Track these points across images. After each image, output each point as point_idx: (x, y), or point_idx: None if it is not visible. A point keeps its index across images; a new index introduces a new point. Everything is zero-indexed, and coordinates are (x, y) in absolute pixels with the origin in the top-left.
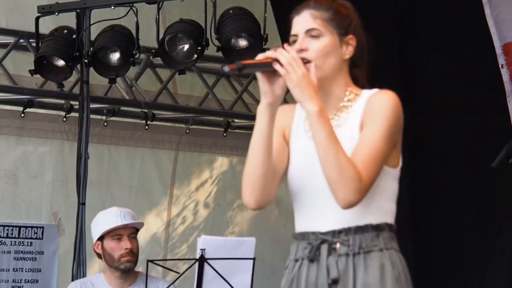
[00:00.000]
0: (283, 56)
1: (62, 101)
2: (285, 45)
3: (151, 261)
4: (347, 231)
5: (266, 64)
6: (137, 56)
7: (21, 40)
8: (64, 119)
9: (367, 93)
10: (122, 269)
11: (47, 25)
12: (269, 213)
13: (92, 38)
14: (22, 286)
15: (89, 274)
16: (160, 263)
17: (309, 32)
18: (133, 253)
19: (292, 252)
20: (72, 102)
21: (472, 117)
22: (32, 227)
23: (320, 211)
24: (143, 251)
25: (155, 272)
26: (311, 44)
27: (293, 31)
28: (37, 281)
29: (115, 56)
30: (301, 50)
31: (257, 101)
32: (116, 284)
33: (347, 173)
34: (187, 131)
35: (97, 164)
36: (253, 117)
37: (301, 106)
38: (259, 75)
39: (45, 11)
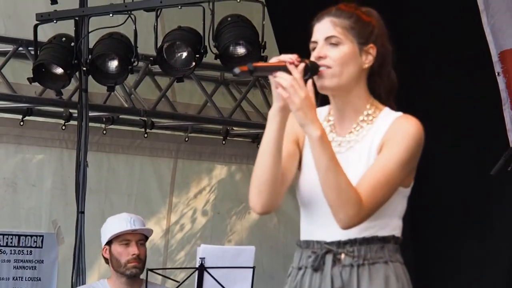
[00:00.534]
0: (284, 79)
1: (61, 109)
2: (296, 56)
3: (151, 270)
4: (352, 242)
5: (278, 67)
6: (135, 64)
7: (20, 48)
8: (63, 127)
9: (390, 113)
10: (128, 274)
11: (46, 33)
12: (268, 221)
13: (91, 45)
14: None
15: (88, 282)
16: (160, 271)
17: (328, 40)
18: (140, 260)
19: (296, 259)
20: (71, 110)
21: (469, 124)
22: (31, 236)
23: (327, 221)
24: None
25: (154, 280)
26: (330, 52)
27: (313, 38)
28: None
29: (114, 64)
30: (319, 58)
31: (256, 109)
32: None
33: (346, 197)
34: (186, 139)
35: (96, 172)
36: (252, 125)
37: (303, 129)
38: (271, 78)
39: (43, 18)
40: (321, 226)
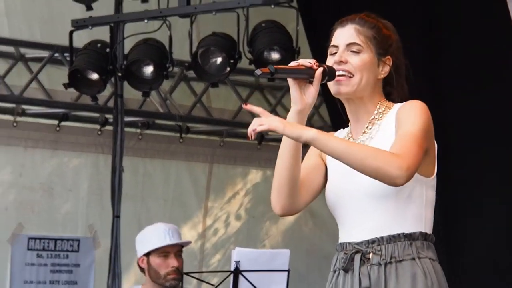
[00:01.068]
0: (254, 123)
1: (97, 115)
2: (314, 60)
3: (187, 273)
4: (379, 240)
5: (299, 70)
6: (170, 69)
7: (56, 54)
8: (99, 132)
9: (398, 105)
10: (167, 286)
11: (81, 38)
12: (304, 224)
13: (126, 51)
14: None
15: (124, 287)
16: (195, 275)
17: (350, 46)
18: (179, 271)
19: (332, 263)
20: (106, 116)
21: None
22: (68, 240)
23: (355, 222)
24: None
25: (189, 284)
26: (351, 59)
27: (334, 42)
28: None
29: (149, 70)
30: (340, 62)
31: None
32: None
33: (382, 157)
34: (221, 143)
35: (132, 177)
36: None
37: (301, 140)
38: (290, 82)
39: (79, 25)
40: (350, 227)
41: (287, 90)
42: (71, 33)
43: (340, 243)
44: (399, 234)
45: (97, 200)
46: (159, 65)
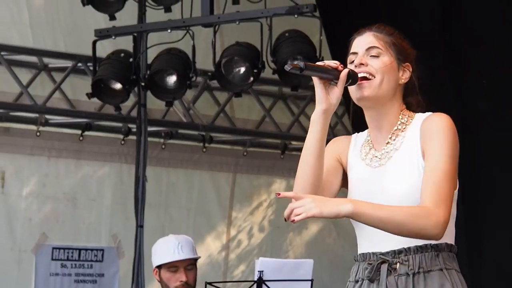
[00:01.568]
0: (291, 211)
1: (120, 124)
2: (339, 63)
3: (209, 283)
4: (406, 251)
5: (326, 70)
6: (194, 79)
7: (79, 64)
8: (122, 142)
9: (420, 116)
10: None
11: (105, 48)
12: (327, 235)
13: (149, 61)
14: None
15: None
16: (219, 285)
17: (369, 51)
18: (189, 285)
19: (353, 273)
20: (130, 125)
21: None
22: (92, 250)
23: (381, 233)
24: (203, 273)
25: None
26: (371, 61)
27: (353, 49)
28: None
29: (172, 79)
30: (360, 65)
31: None
32: None
33: (417, 219)
34: (245, 153)
35: (155, 187)
36: None
37: (340, 217)
38: (316, 81)
39: (102, 34)
40: (374, 238)
41: (310, 99)
42: (94, 42)
43: (362, 253)
44: (426, 245)
45: (121, 210)
46: (182, 74)
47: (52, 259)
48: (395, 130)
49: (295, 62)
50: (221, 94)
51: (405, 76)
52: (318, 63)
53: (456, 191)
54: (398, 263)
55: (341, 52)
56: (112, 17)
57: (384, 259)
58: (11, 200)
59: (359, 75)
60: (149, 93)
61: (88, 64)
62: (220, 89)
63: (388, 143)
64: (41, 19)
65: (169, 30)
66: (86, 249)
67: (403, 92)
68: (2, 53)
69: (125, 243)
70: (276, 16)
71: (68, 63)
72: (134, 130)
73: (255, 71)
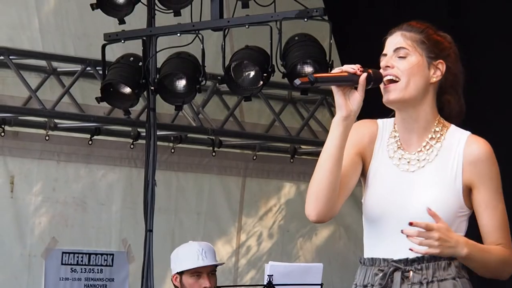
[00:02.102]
0: (416, 241)
1: (129, 129)
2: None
3: (219, 287)
4: (420, 259)
5: (341, 78)
6: (203, 83)
7: (88, 68)
8: (132, 146)
9: (457, 131)
10: None
11: (115, 52)
12: (338, 239)
13: (159, 65)
14: None
15: None
16: None
17: (397, 52)
18: None
19: (360, 277)
20: (139, 129)
21: None
22: (102, 254)
23: (395, 239)
24: None
25: None
26: (398, 64)
27: (384, 51)
28: None
29: (181, 83)
30: (386, 67)
31: (324, 128)
32: None
33: (507, 266)
34: (254, 157)
35: (165, 191)
36: (319, 144)
37: (456, 255)
38: (334, 88)
39: (111, 38)
40: (388, 243)
41: (320, 103)
42: (103, 46)
43: (371, 258)
44: None
45: (131, 214)
46: (191, 78)
47: (62, 264)
48: (430, 138)
49: (305, 75)
50: (231, 98)
51: (436, 74)
52: (335, 69)
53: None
54: (411, 272)
55: (350, 55)
56: (122, 21)
57: (397, 266)
58: (20, 204)
59: (386, 78)
60: (158, 97)
61: (97, 68)
62: (229, 93)
63: (421, 151)
64: (50, 24)
65: (178, 34)
66: (96, 254)
67: (438, 90)
68: (11, 57)
69: (135, 247)
70: (286, 20)
71: (77, 67)
72: (144, 134)
73: (265, 75)
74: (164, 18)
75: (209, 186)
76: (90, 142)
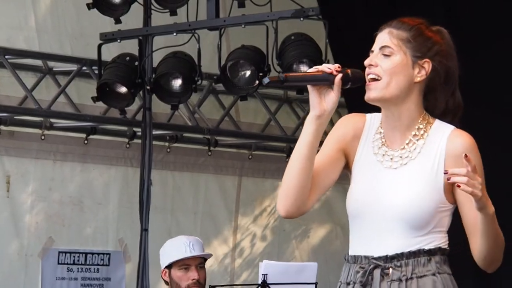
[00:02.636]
0: (465, 179)
1: (125, 128)
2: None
3: (213, 286)
4: (399, 256)
5: (314, 77)
6: (199, 82)
7: (84, 68)
8: (127, 145)
9: (441, 126)
10: None
11: (111, 52)
12: (334, 238)
13: (155, 64)
14: None
15: None
16: None
17: (382, 50)
18: (200, 284)
19: (344, 274)
20: (135, 129)
21: None
22: (98, 254)
23: (376, 236)
24: (209, 277)
25: None
26: (382, 62)
27: (372, 47)
28: None
29: (177, 83)
30: (370, 66)
31: None
32: None
33: (502, 248)
34: (250, 157)
35: (161, 190)
36: None
37: (481, 211)
38: (309, 87)
39: (107, 38)
40: (368, 240)
41: None
42: (99, 46)
43: (354, 256)
44: (419, 250)
45: (127, 214)
46: (187, 78)
47: (59, 263)
48: (413, 135)
49: (275, 75)
50: (227, 97)
51: (421, 73)
52: (310, 69)
53: (455, 205)
54: (390, 268)
55: (346, 55)
56: (118, 21)
57: (377, 264)
58: (16, 204)
59: (368, 76)
60: (154, 96)
61: (93, 67)
62: (225, 93)
63: (403, 148)
64: (47, 24)
65: (174, 34)
66: (93, 253)
67: (424, 89)
68: (7, 56)
69: (132, 247)
70: (282, 19)
71: (73, 67)
72: (139, 133)
73: (261, 74)
74: (160, 18)
75: (205, 186)
76: (86, 142)
